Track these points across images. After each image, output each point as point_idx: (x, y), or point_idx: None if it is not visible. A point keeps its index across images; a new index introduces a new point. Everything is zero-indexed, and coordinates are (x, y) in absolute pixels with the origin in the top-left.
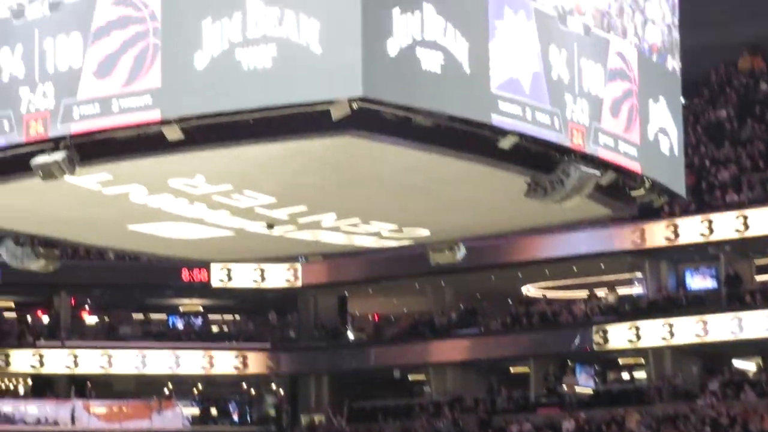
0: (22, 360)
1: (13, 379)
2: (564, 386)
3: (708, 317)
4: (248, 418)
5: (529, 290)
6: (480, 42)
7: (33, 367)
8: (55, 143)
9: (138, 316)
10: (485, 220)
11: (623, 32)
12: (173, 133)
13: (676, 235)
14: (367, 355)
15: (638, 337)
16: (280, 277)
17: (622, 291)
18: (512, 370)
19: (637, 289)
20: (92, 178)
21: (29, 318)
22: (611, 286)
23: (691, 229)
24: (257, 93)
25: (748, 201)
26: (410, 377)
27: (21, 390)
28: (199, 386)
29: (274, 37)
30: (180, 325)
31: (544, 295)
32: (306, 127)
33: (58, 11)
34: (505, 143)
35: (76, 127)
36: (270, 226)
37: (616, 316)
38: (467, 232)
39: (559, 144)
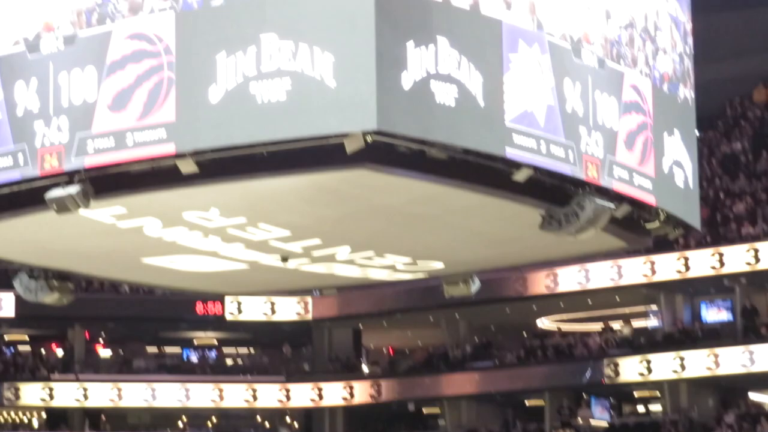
0: (33, 393)
1: (27, 413)
2: (579, 419)
3: (719, 350)
4: None
5: (544, 323)
6: (494, 75)
7: (43, 400)
8: (70, 177)
9: (152, 349)
10: (499, 253)
11: (633, 61)
12: (188, 167)
13: (687, 267)
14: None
15: (649, 371)
16: (290, 310)
17: (638, 324)
18: (527, 403)
19: (652, 322)
20: (106, 212)
21: (43, 351)
22: (626, 319)
23: (702, 262)
24: (271, 126)
25: (763, 233)
26: (425, 410)
27: (35, 423)
28: (213, 419)
29: (289, 71)
30: (194, 358)
31: (559, 328)
32: (320, 160)
33: (73, 45)
34: (520, 176)
35: (91, 161)
36: (284, 259)
37: (631, 348)
38: (481, 264)
39: (573, 177)
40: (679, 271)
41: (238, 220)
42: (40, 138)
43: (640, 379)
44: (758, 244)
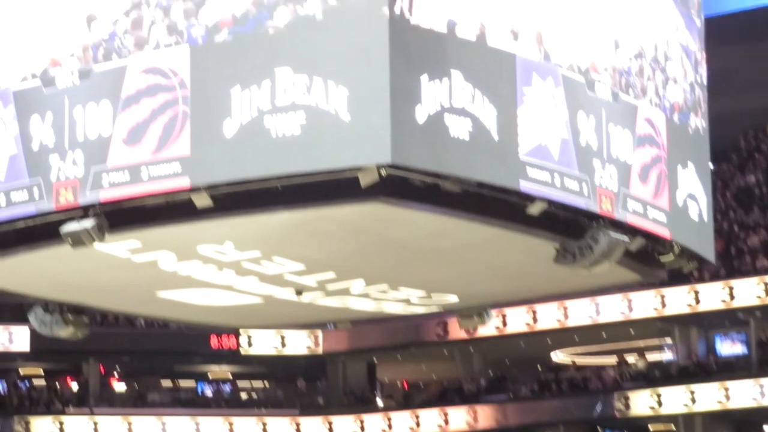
0: (43, 427)
1: None
2: None
3: (730, 384)
4: None
5: (558, 356)
6: (508, 108)
7: None
8: (85, 211)
9: (167, 383)
10: (514, 286)
11: (643, 91)
12: (202, 201)
13: (698, 301)
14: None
15: (660, 404)
16: (301, 343)
17: (652, 357)
18: None
19: (667, 355)
20: (121, 246)
21: (58, 385)
22: (641, 352)
23: (713, 296)
24: (286, 160)
25: None
26: None
27: None
28: None
29: (303, 105)
30: (208, 392)
31: (574, 361)
32: (335, 194)
33: (88, 79)
34: (534, 209)
35: (106, 195)
36: (299, 292)
37: (646, 382)
38: (496, 297)
39: (587, 210)
40: (690, 305)
41: (252, 254)
42: (55, 172)
43: (651, 412)
44: None
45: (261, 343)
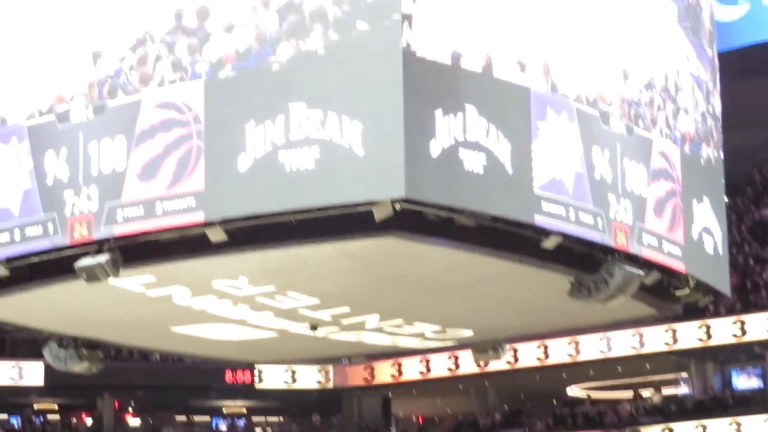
0: None
1: None
2: None
3: (742, 419)
4: None
5: (574, 390)
6: (522, 143)
7: None
8: (99, 246)
9: (181, 418)
10: (528, 320)
11: (653, 122)
12: (217, 235)
13: (709, 336)
14: None
15: None
16: (311, 378)
17: (668, 391)
18: None
19: (683, 389)
20: (136, 280)
21: (73, 421)
22: (657, 386)
23: (724, 330)
24: (300, 194)
25: None
26: None
27: None
28: None
29: (317, 139)
30: (223, 427)
31: (589, 396)
32: (349, 228)
33: (103, 115)
34: (549, 243)
35: (120, 230)
36: (313, 327)
37: (662, 416)
38: (511, 331)
39: (602, 244)
40: (701, 339)
41: (267, 289)
42: (69, 207)
43: None
44: None
45: (272, 378)
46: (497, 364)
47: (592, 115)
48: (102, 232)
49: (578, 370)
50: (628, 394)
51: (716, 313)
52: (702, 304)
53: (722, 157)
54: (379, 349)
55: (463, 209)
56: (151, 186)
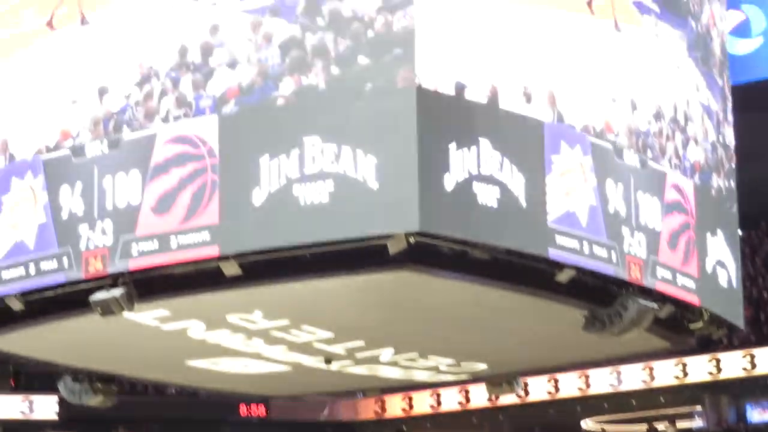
0: None
1: None
2: None
3: None
4: None
5: (588, 424)
6: (536, 176)
7: None
8: (114, 279)
9: None
10: (542, 354)
11: (662, 151)
12: (231, 269)
13: (719, 369)
14: None
15: None
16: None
17: (683, 424)
18: None
19: (697, 423)
20: (150, 314)
21: None
22: (671, 420)
23: (734, 364)
24: (314, 228)
25: None
26: None
27: None
28: None
29: (331, 173)
30: None
31: (603, 429)
32: (363, 262)
33: (118, 149)
34: (563, 277)
35: (135, 264)
36: (328, 361)
37: None
38: (525, 365)
39: (616, 277)
40: (711, 373)
41: (281, 322)
42: (84, 241)
43: None
44: None
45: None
46: (508, 398)
47: (606, 149)
48: (117, 266)
49: (592, 404)
50: (642, 427)
51: (730, 346)
52: (716, 337)
53: (733, 186)
54: (392, 383)
55: (477, 243)
56: (166, 220)
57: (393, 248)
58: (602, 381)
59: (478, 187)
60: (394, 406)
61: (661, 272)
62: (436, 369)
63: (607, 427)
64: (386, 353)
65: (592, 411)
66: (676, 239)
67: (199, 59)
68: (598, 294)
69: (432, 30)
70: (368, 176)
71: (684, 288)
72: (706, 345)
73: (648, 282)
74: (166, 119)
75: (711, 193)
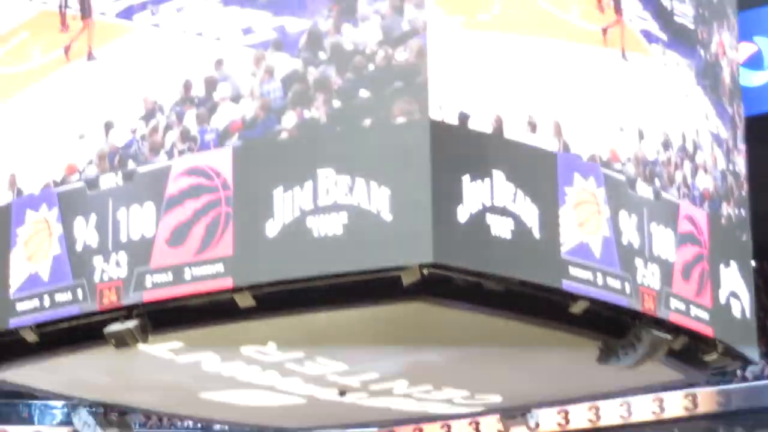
0: None
1: None
2: None
3: None
4: None
5: None
6: (550, 208)
7: None
8: (128, 311)
9: None
10: (557, 385)
11: (670, 180)
12: (245, 301)
13: (729, 401)
14: None
15: None
16: None
17: None
18: None
19: None
20: (165, 346)
21: None
22: None
23: (743, 396)
24: (328, 260)
25: None
26: None
27: None
28: None
29: (345, 205)
30: None
31: None
32: (377, 294)
33: (132, 181)
34: (576, 308)
35: (149, 296)
36: (342, 393)
37: None
38: (539, 397)
39: (630, 309)
40: (720, 404)
41: (295, 355)
42: (98, 273)
43: None
44: None
45: None
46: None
47: (619, 180)
48: (131, 298)
49: None
50: None
51: (743, 379)
52: (730, 369)
53: (744, 215)
54: (406, 416)
55: (491, 274)
56: (180, 252)
57: (407, 280)
58: (612, 412)
59: (491, 218)
60: None
61: (674, 303)
62: (450, 401)
63: None
64: (400, 385)
65: None
66: (690, 270)
67: (203, 93)
68: (612, 325)
69: (436, 61)
70: (382, 208)
71: (697, 319)
72: (718, 376)
73: (661, 313)
74: (170, 153)
75: (721, 222)
